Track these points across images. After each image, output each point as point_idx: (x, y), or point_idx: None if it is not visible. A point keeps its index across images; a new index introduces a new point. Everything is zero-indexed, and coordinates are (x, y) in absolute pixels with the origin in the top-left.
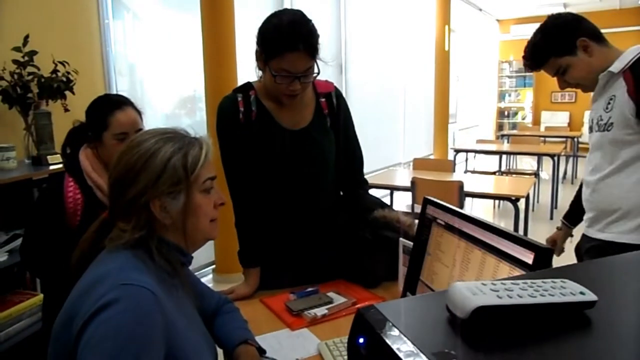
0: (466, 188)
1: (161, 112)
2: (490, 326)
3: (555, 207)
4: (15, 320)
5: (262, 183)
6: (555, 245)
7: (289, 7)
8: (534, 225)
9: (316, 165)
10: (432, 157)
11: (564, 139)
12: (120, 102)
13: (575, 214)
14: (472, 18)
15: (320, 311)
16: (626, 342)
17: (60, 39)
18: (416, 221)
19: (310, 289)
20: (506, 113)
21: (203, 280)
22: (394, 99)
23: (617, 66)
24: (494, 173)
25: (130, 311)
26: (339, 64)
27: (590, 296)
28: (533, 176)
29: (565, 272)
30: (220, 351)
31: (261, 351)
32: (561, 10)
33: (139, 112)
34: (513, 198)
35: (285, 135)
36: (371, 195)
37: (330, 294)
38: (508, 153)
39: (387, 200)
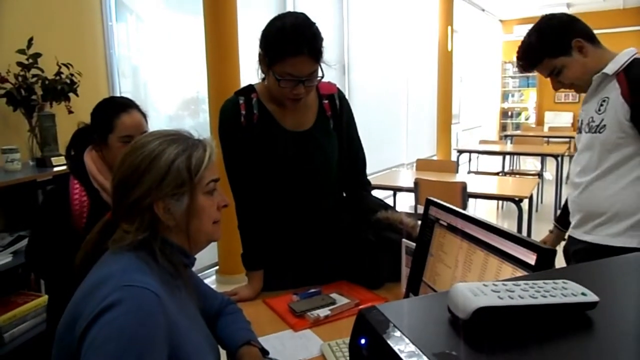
0: (469, 189)
1: (164, 113)
2: (492, 327)
3: (559, 208)
4: (19, 322)
5: (265, 185)
6: None
7: (291, 8)
8: (537, 226)
9: (319, 167)
10: (435, 157)
11: (567, 140)
12: (126, 105)
13: (567, 216)
14: (475, 18)
15: (323, 312)
16: (628, 343)
17: (64, 41)
18: (419, 222)
19: (313, 290)
20: (509, 113)
21: (206, 281)
22: (397, 100)
23: (611, 68)
24: (497, 174)
25: (133, 312)
26: (341, 65)
27: (592, 297)
28: (536, 177)
29: (566, 273)
30: (223, 352)
31: (264, 352)
32: (564, 10)
33: (144, 115)
34: (516, 199)
35: (288, 137)
36: (374, 197)
37: (333, 295)
38: (511, 154)
39: (390, 201)
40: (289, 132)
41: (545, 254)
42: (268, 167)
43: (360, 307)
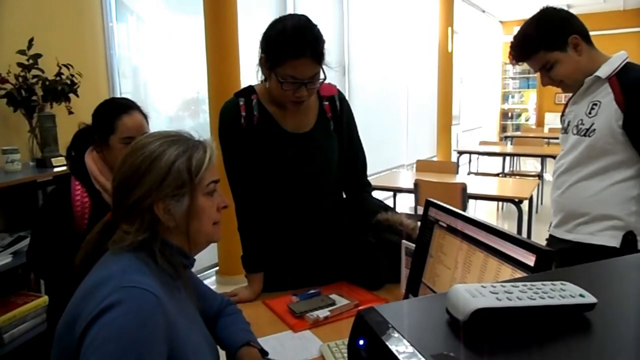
0: (469, 190)
1: (165, 114)
2: (490, 328)
3: None
4: (19, 322)
5: (265, 187)
6: None
7: (291, 8)
8: (537, 228)
9: (319, 169)
10: (435, 158)
11: None
12: (127, 106)
13: None
14: (475, 20)
15: (322, 313)
16: (626, 345)
17: (65, 42)
18: (419, 223)
19: (312, 291)
20: (510, 114)
21: (206, 282)
22: (397, 101)
23: (604, 71)
24: (497, 175)
25: (133, 313)
26: (341, 65)
27: (590, 298)
28: (537, 178)
29: (564, 275)
30: (222, 353)
31: (263, 353)
32: None
33: (145, 116)
34: (516, 200)
35: (288, 138)
36: (374, 198)
37: (333, 296)
38: (511, 155)
39: (390, 202)
40: (289, 133)
41: (544, 256)
42: (268, 168)
43: (360, 308)
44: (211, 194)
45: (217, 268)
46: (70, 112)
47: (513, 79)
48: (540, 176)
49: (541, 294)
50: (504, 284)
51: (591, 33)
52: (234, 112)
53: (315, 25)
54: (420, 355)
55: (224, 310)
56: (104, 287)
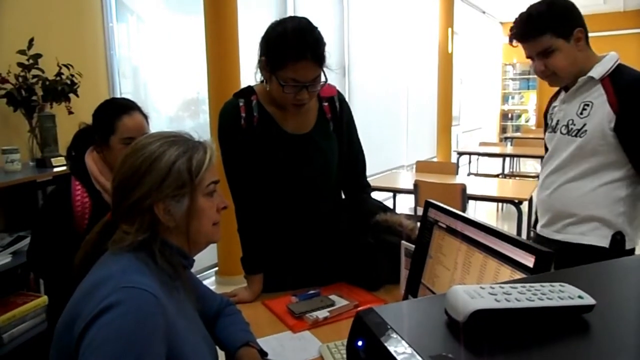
0: (469, 191)
1: (165, 114)
2: (489, 330)
3: None
4: (19, 322)
5: (265, 188)
6: None
7: (291, 9)
8: None
9: (319, 170)
10: (435, 159)
11: None
12: (128, 107)
13: None
14: (475, 20)
15: (322, 314)
16: (624, 346)
17: (65, 42)
18: (418, 224)
19: (312, 292)
20: (510, 115)
21: (206, 282)
22: (397, 102)
23: (598, 71)
24: (497, 176)
25: (132, 314)
26: (341, 66)
27: (588, 300)
28: (536, 179)
29: (563, 276)
30: (221, 353)
31: (263, 354)
32: None
33: (146, 117)
34: (516, 201)
35: (288, 140)
36: (374, 199)
37: (332, 297)
38: (511, 156)
39: (389, 203)
40: (289, 134)
41: (543, 257)
42: (268, 169)
43: (359, 309)
44: (211, 195)
45: (217, 268)
46: (70, 112)
47: (513, 80)
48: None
49: (540, 296)
50: (502, 285)
51: (591, 34)
52: (234, 113)
53: (316, 28)
54: (418, 357)
55: (223, 310)
56: (104, 288)
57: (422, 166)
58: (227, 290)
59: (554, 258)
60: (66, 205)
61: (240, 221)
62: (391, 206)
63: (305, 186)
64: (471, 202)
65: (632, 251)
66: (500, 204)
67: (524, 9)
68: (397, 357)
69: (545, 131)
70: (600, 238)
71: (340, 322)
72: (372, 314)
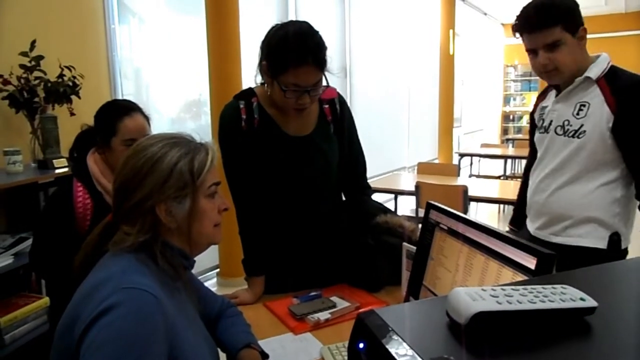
0: (471, 192)
1: (167, 115)
2: (490, 332)
3: None
4: (20, 323)
5: (265, 189)
6: None
7: (293, 9)
8: None
9: (319, 171)
10: (436, 161)
11: None
12: (129, 108)
13: (521, 217)
14: (477, 22)
15: (323, 315)
16: (626, 349)
17: (67, 43)
18: (420, 226)
19: (313, 293)
20: (511, 117)
21: (207, 283)
22: (399, 103)
23: (594, 72)
24: (498, 177)
25: (132, 314)
26: (343, 68)
27: (590, 302)
28: None
29: (565, 278)
30: (223, 355)
31: (264, 355)
32: None
33: (147, 118)
34: None
35: (289, 141)
36: (374, 201)
37: (334, 299)
38: (513, 157)
39: (391, 205)
40: (289, 136)
41: (545, 259)
42: (268, 171)
43: (360, 310)
44: (212, 196)
45: (218, 270)
46: (72, 114)
47: (515, 81)
48: None
49: (542, 298)
50: (504, 287)
51: (592, 36)
52: (235, 115)
53: (317, 32)
54: (420, 359)
55: (224, 312)
56: (104, 289)
57: (423, 168)
58: (229, 291)
59: (555, 260)
60: (68, 207)
61: (241, 223)
62: (392, 208)
63: (306, 188)
64: (472, 204)
65: (626, 250)
66: (501, 206)
67: None
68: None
69: (531, 132)
70: (598, 240)
71: (341, 324)
72: (374, 315)
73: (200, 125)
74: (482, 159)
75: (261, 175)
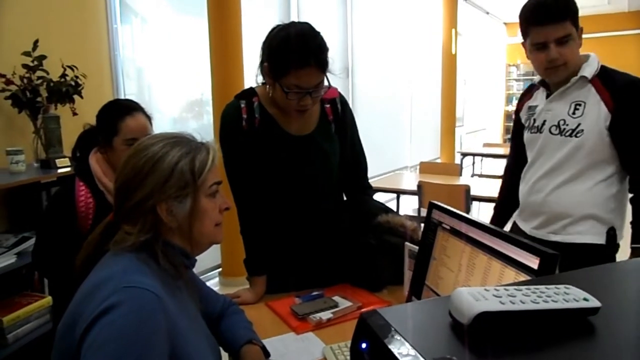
0: (473, 192)
1: (169, 115)
2: (493, 332)
3: None
4: (23, 322)
5: (266, 189)
6: None
7: (295, 9)
8: None
9: (320, 171)
10: (438, 160)
11: None
12: (131, 108)
13: (503, 217)
14: (479, 21)
15: (325, 315)
16: (629, 349)
17: (69, 43)
18: (422, 225)
19: (315, 293)
20: (513, 116)
21: (209, 283)
22: (401, 102)
23: (589, 71)
24: (501, 177)
25: (133, 313)
26: (345, 67)
27: (594, 302)
28: None
29: (568, 278)
30: (225, 356)
31: (266, 351)
32: None
33: (149, 118)
34: None
35: (290, 141)
36: (375, 201)
37: (336, 298)
38: None
39: (393, 204)
40: (290, 136)
41: (548, 259)
42: (269, 171)
43: (363, 310)
44: (213, 196)
45: (220, 269)
46: (75, 114)
47: (517, 80)
48: None
49: (545, 298)
50: (507, 287)
51: (596, 35)
52: (236, 115)
53: (319, 33)
54: (422, 359)
55: (226, 310)
56: (105, 288)
57: (425, 167)
58: (231, 291)
59: (558, 260)
60: (70, 206)
61: (243, 223)
62: (395, 207)
63: (307, 187)
64: (475, 204)
65: (618, 244)
66: None
67: None
68: None
69: (516, 132)
70: (596, 236)
71: (343, 324)
72: (376, 315)
73: (202, 125)
74: (484, 158)
75: (262, 174)
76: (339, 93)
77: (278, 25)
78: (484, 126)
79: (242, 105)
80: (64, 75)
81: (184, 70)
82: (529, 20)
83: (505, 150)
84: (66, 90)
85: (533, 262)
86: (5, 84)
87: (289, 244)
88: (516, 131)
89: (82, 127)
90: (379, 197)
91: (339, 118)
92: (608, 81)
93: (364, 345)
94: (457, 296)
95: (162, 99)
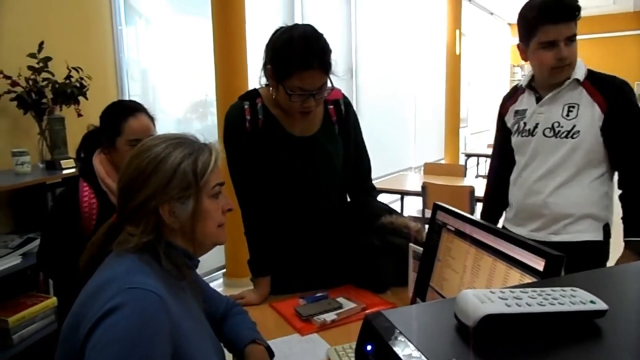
0: (477, 193)
1: (173, 116)
2: (499, 335)
3: None
4: (28, 323)
5: (270, 190)
6: None
7: (299, 10)
8: None
9: (324, 172)
10: (443, 161)
11: None
12: (133, 109)
13: (490, 221)
14: (483, 22)
15: (329, 316)
16: (637, 353)
17: (74, 45)
18: (426, 226)
19: (319, 294)
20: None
21: (213, 284)
22: (405, 103)
23: (580, 74)
24: None
25: (137, 315)
26: (349, 68)
27: (601, 305)
28: None
29: (575, 280)
30: (229, 356)
31: (270, 353)
32: None
33: (152, 119)
34: None
35: (293, 142)
36: (379, 202)
37: (340, 299)
38: None
39: (397, 205)
40: (294, 137)
41: (553, 260)
42: (273, 172)
43: (367, 311)
44: (216, 197)
45: (224, 270)
46: (80, 115)
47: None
48: None
49: (551, 300)
50: (513, 289)
51: (601, 35)
52: (239, 116)
53: (322, 35)
54: None
55: (229, 311)
56: (108, 289)
57: (429, 168)
58: (235, 292)
59: (564, 261)
60: (73, 207)
61: (247, 224)
62: (399, 208)
63: (311, 188)
64: (479, 205)
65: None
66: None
67: None
68: None
69: (502, 136)
70: (595, 233)
71: (348, 325)
72: (381, 317)
73: (206, 126)
74: (488, 159)
75: (266, 175)
76: (343, 94)
77: (281, 27)
78: (488, 127)
79: (246, 107)
80: (69, 77)
81: (188, 72)
82: (543, 17)
83: None
84: (71, 92)
85: (538, 264)
86: (11, 86)
87: (293, 245)
88: (502, 136)
89: (86, 129)
90: (382, 198)
91: (343, 119)
92: (598, 83)
93: (369, 348)
94: (463, 298)
95: (166, 100)
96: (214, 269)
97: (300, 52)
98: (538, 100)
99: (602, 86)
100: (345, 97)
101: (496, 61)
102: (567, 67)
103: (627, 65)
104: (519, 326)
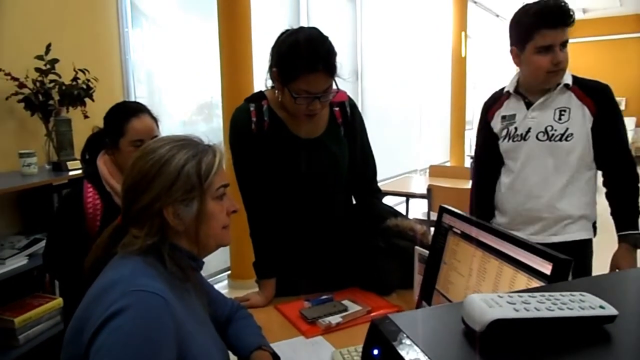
0: None
1: (179, 118)
2: (507, 340)
3: None
4: (34, 323)
5: (276, 192)
6: None
7: (305, 12)
8: None
9: (329, 174)
10: (448, 164)
11: None
12: (137, 110)
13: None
14: (489, 24)
15: (334, 319)
16: None
17: (81, 47)
18: (432, 229)
19: (325, 297)
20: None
21: (218, 285)
22: (410, 106)
23: (568, 79)
24: None
25: (141, 317)
26: (354, 71)
27: (610, 310)
28: None
29: (584, 285)
30: (233, 358)
31: (276, 357)
32: (580, 15)
33: (155, 119)
34: None
35: (299, 144)
36: (384, 204)
37: (345, 302)
38: None
39: (402, 208)
40: (299, 139)
41: (561, 264)
42: (278, 174)
43: (372, 314)
44: (221, 198)
45: (229, 272)
46: (86, 117)
47: None
48: None
49: (560, 305)
50: (521, 294)
51: (607, 37)
52: (245, 118)
53: (327, 38)
54: None
55: (234, 314)
56: (112, 292)
57: (435, 170)
58: (240, 294)
59: (572, 265)
60: (78, 208)
61: (252, 225)
62: (404, 211)
63: (316, 190)
64: None
65: None
66: None
67: None
68: None
69: (489, 141)
70: (587, 231)
71: (353, 328)
72: (388, 321)
73: (212, 128)
74: None
75: (271, 177)
76: (348, 96)
77: (287, 30)
78: None
79: (252, 109)
80: (75, 79)
81: (194, 74)
82: (542, 22)
83: None
84: (78, 94)
85: (546, 268)
86: (19, 87)
87: (298, 247)
88: (487, 142)
89: (92, 130)
90: (388, 200)
91: (348, 121)
92: (585, 87)
93: (375, 352)
94: (470, 303)
95: (172, 102)
96: (219, 270)
97: (305, 55)
98: (528, 105)
99: (589, 90)
100: (350, 99)
101: (502, 64)
102: (560, 71)
103: (633, 67)
104: (527, 331)
